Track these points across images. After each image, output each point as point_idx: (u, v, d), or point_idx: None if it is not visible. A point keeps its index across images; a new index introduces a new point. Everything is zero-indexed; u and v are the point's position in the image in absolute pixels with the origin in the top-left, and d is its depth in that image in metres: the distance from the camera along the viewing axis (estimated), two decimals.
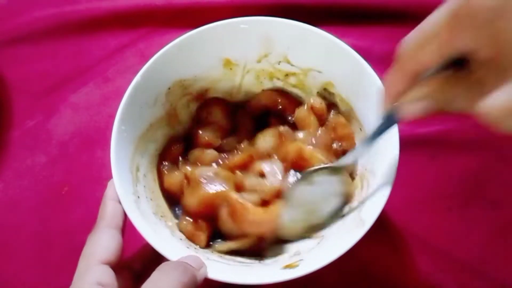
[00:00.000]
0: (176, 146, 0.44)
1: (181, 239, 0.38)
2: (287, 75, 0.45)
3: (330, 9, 0.56)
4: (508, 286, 0.43)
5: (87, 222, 0.46)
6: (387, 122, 0.33)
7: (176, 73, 0.42)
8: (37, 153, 0.51)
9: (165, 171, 0.42)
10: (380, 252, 0.44)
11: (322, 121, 0.44)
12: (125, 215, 0.34)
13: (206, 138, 0.44)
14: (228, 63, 0.44)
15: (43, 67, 0.56)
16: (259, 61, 0.44)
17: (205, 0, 0.58)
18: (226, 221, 0.39)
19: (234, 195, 0.38)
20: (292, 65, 0.44)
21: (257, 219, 0.38)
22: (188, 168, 0.41)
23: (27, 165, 0.51)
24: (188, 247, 0.37)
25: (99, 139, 0.51)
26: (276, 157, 0.42)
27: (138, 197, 0.37)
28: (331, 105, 0.44)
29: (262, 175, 0.41)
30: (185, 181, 0.41)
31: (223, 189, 0.39)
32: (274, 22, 0.41)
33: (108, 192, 0.35)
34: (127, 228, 0.34)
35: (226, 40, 0.42)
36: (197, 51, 0.42)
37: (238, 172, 0.41)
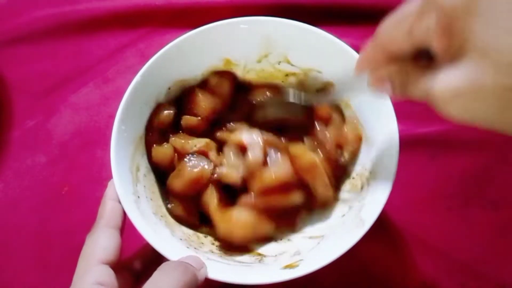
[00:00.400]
0: (166, 113, 0.42)
1: (181, 239, 0.38)
2: (287, 75, 0.45)
3: (330, 9, 0.56)
4: (508, 286, 0.43)
5: (87, 222, 0.46)
6: (355, 84, 0.33)
7: (176, 73, 0.42)
8: (37, 153, 0.51)
9: (154, 144, 0.41)
10: (380, 252, 0.44)
11: (326, 121, 0.43)
12: (125, 215, 0.34)
13: (206, 103, 0.42)
14: (228, 63, 0.44)
15: (43, 67, 0.56)
16: (259, 61, 0.44)
17: (205, 0, 0.58)
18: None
19: (213, 205, 0.39)
20: (292, 65, 0.44)
21: (233, 233, 0.39)
22: (181, 140, 0.41)
23: (27, 165, 0.51)
24: (188, 247, 0.37)
25: (99, 139, 0.51)
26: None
27: (138, 197, 0.37)
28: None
29: (242, 148, 0.40)
30: (176, 155, 0.41)
31: (206, 168, 0.39)
32: (274, 22, 0.41)
33: (108, 192, 0.35)
34: (127, 228, 0.34)
35: (226, 40, 0.42)
36: (197, 51, 0.42)
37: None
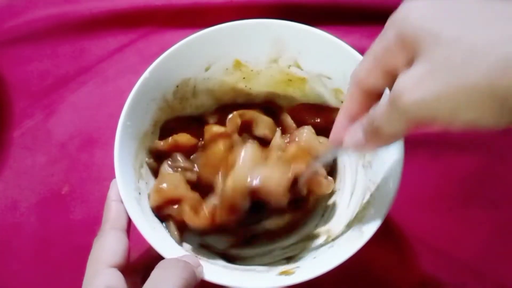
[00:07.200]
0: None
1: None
2: (290, 80, 0.44)
3: (330, 9, 0.56)
4: (508, 286, 0.43)
5: (87, 222, 0.47)
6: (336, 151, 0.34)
7: (185, 72, 0.42)
8: (37, 153, 0.51)
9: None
10: (380, 252, 0.44)
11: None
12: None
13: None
14: (238, 65, 0.43)
15: (43, 67, 0.56)
16: (269, 64, 0.43)
17: (205, 0, 0.58)
18: None
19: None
20: (302, 69, 0.43)
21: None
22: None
23: (27, 165, 0.51)
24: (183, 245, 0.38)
25: (99, 139, 0.51)
26: None
27: (140, 193, 0.37)
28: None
29: None
30: None
31: None
32: (287, 25, 0.40)
33: (111, 193, 0.34)
34: (133, 227, 0.34)
35: (237, 41, 0.41)
36: (207, 51, 0.41)
37: None
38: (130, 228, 0.34)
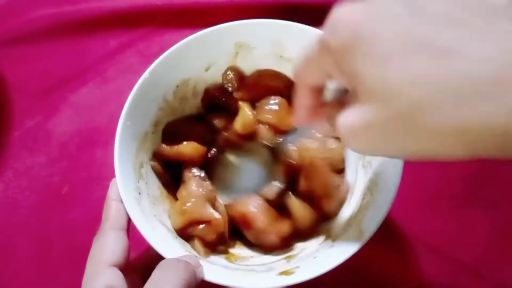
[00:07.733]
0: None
1: (176, 237, 0.38)
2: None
3: (331, 9, 0.56)
4: (508, 286, 0.43)
5: (87, 222, 0.47)
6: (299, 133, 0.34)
7: (185, 72, 0.42)
8: (37, 153, 0.51)
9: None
10: (380, 252, 0.44)
11: None
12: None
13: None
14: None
15: (43, 67, 0.56)
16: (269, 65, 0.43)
17: (205, 0, 0.58)
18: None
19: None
20: None
21: None
22: None
23: (27, 165, 0.51)
24: (184, 246, 0.38)
25: (99, 139, 0.51)
26: None
27: (140, 193, 0.37)
28: None
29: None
30: None
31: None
32: (286, 25, 0.40)
33: (111, 193, 0.34)
34: (133, 226, 0.34)
35: (238, 40, 0.41)
36: (207, 51, 0.41)
37: None
38: (130, 227, 0.34)
